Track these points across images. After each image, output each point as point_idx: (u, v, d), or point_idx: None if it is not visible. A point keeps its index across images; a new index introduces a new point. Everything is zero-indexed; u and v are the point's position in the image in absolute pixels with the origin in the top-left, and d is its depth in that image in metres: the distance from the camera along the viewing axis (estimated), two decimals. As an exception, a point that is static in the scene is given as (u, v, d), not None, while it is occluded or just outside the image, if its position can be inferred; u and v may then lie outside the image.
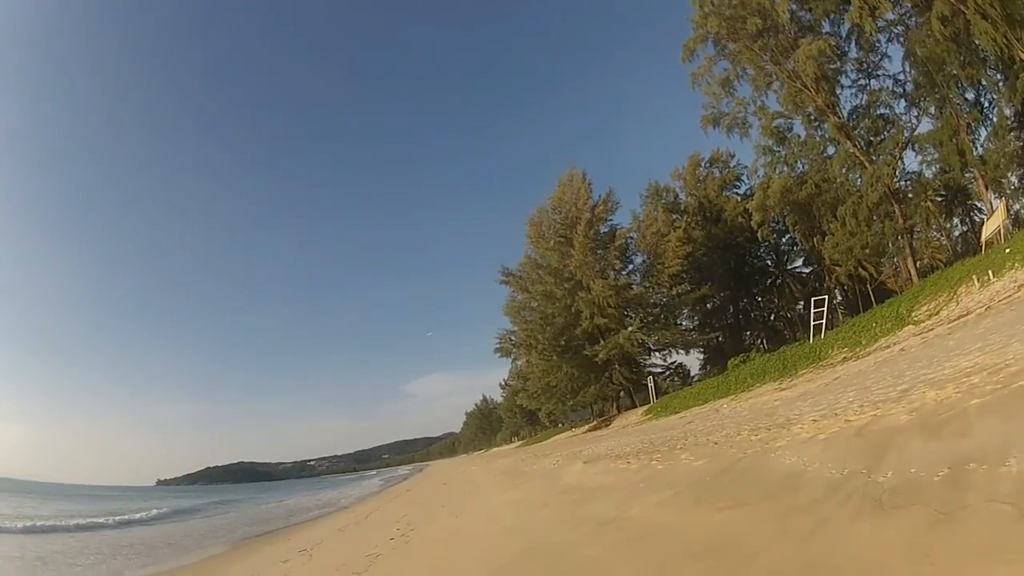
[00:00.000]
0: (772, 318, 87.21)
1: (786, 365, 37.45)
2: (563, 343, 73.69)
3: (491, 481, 32.57)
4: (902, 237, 51.04)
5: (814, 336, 40.89)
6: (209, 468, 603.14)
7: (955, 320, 24.76)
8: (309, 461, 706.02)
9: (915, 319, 29.68)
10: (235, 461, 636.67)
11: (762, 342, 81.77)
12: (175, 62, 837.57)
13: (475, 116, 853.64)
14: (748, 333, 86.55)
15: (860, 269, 57.32)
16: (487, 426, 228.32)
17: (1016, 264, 26.19)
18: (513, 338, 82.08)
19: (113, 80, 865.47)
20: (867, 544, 6.22)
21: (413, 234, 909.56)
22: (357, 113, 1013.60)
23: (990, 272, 27.50)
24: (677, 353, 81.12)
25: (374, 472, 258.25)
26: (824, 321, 41.92)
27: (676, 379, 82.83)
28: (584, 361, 72.11)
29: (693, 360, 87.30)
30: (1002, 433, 6.75)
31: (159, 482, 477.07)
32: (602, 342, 70.03)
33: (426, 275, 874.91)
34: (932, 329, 25.68)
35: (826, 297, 45.66)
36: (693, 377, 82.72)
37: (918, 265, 53.85)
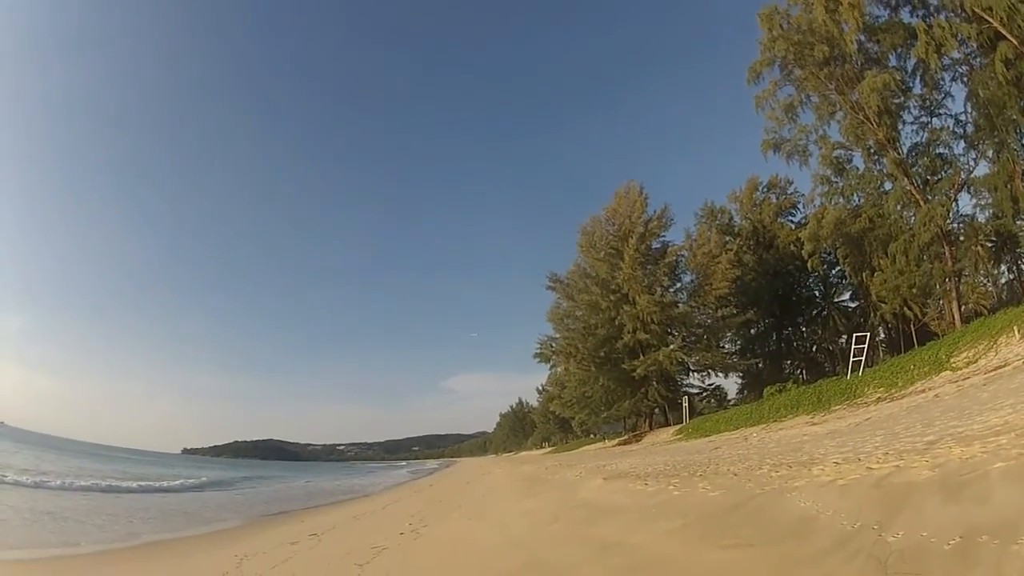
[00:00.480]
0: (814, 349, 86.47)
1: (821, 399, 37.23)
2: (603, 354, 73.46)
3: (511, 486, 32.40)
4: (949, 280, 50.17)
5: (852, 372, 40.40)
6: (237, 442, 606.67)
7: (992, 371, 24.45)
8: (338, 446, 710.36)
9: (953, 365, 29.33)
10: (264, 438, 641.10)
11: (801, 372, 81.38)
12: (240, 43, 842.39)
13: (539, 121, 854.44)
14: (788, 362, 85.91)
15: (906, 308, 56.71)
16: (520, 429, 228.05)
17: None
18: (554, 345, 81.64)
19: (176, 51, 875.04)
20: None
21: (466, 232, 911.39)
22: (420, 108, 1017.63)
23: None
24: (716, 375, 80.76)
25: (404, 463, 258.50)
26: (864, 358, 41.40)
27: (713, 401, 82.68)
28: (622, 375, 71.94)
29: (731, 384, 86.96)
30: (1021, 505, 6.61)
31: (185, 451, 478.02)
32: (641, 357, 69.74)
33: (476, 274, 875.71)
34: (969, 378, 25.39)
35: (868, 333, 45.02)
36: (729, 400, 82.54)
37: (963, 310, 53.08)
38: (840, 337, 75.47)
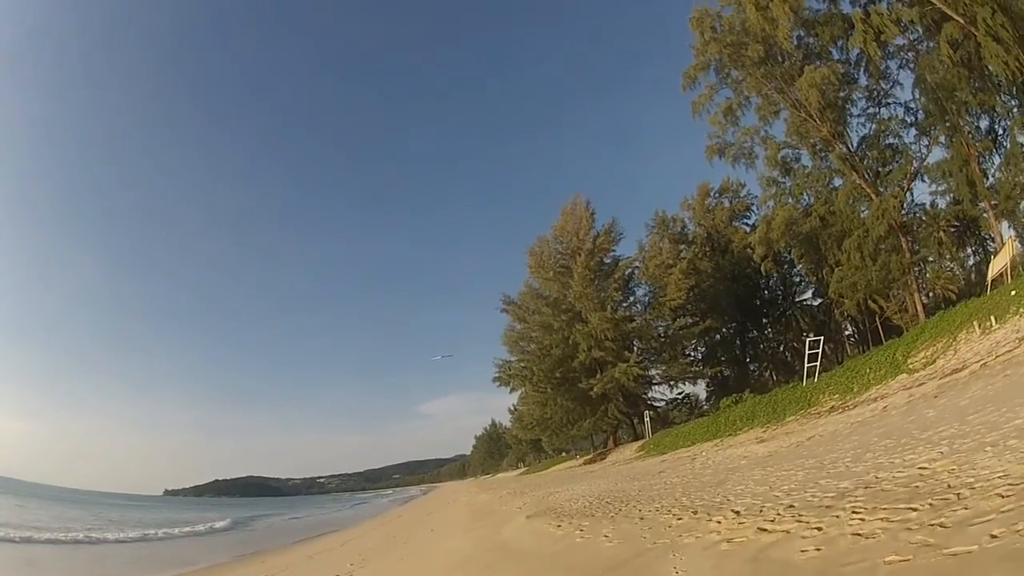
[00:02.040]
0: (782, 348, 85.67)
1: (776, 409, 36.58)
2: (559, 375, 72.66)
3: (458, 520, 31.80)
4: (908, 271, 49.38)
5: (807, 378, 40.00)
6: (218, 480, 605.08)
7: (949, 375, 23.57)
8: (319, 478, 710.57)
9: (910, 367, 28.56)
10: (244, 475, 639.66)
11: (771, 374, 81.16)
12: (187, 62, 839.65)
13: (491, 139, 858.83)
14: (756, 366, 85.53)
15: (870, 302, 55.74)
16: (495, 450, 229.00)
17: (1021, 310, 24.96)
18: (511, 368, 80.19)
19: (125, 78, 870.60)
20: None
21: (430, 256, 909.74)
22: (373, 128, 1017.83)
23: (993, 317, 26.31)
24: (684, 384, 79.34)
25: (390, 491, 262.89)
26: (819, 363, 40.81)
27: (684, 409, 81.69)
28: (579, 394, 71.05)
29: (702, 390, 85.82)
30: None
31: (167, 492, 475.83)
32: (599, 375, 69.02)
33: (444, 297, 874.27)
34: (924, 383, 24.59)
35: (821, 338, 43.83)
36: (702, 406, 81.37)
37: (931, 295, 53.05)
38: (806, 335, 74.53)
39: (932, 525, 6.79)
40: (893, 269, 49.31)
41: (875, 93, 50.75)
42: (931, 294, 54.03)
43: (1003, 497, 6.94)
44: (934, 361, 27.29)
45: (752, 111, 54.30)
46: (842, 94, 49.64)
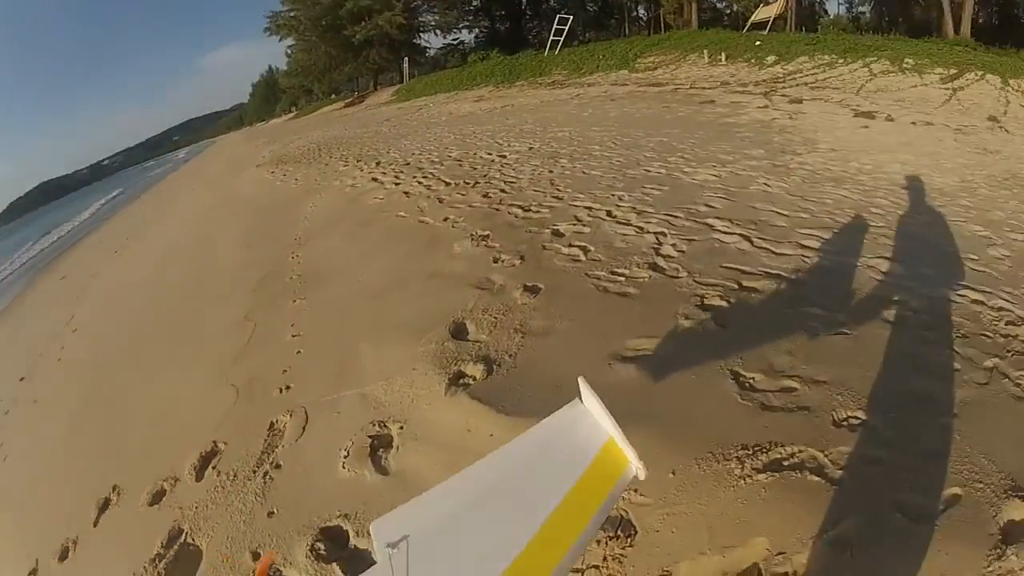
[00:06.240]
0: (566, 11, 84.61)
1: (512, 71, 39.18)
2: (325, 23, 73.22)
3: (211, 175, 34.54)
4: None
5: (549, 51, 42.10)
6: (12, 204, 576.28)
7: (646, 86, 24.89)
8: (103, 162, 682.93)
9: (636, 67, 30.11)
10: (34, 185, 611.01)
11: (550, 34, 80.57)
12: None
13: None
14: (535, 23, 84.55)
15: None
16: (271, 96, 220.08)
17: (750, 57, 25.87)
18: (279, 19, 79.41)
19: None
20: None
21: None
22: None
23: (724, 55, 27.16)
24: (459, 32, 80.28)
25: (183, 151, 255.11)
26: (562, 39, 42.69)
27: (456, 56, 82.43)
28: (342, 41, 72.85)
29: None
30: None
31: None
32: (364, 23, 70.29)
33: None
34: (626, 85, 26.07)
35: (571, 17, 45.06)
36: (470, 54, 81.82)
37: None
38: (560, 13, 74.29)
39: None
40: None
41: None
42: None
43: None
44: (656, 69, 28.67)
45: None
46: None
